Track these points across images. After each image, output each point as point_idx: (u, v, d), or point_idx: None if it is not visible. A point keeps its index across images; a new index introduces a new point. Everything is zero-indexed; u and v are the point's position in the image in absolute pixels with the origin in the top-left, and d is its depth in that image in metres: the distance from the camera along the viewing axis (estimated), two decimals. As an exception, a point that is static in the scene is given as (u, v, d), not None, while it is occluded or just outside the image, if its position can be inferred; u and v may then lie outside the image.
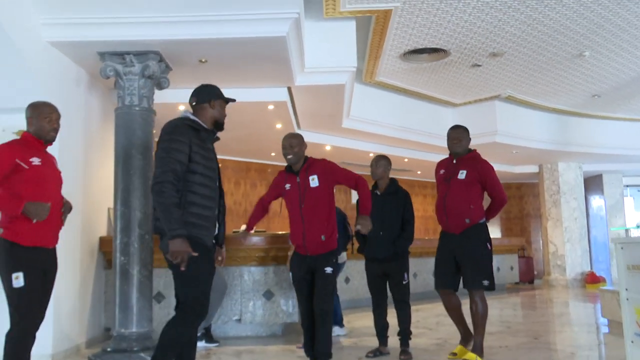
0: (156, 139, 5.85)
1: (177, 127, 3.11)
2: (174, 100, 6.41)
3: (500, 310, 8.47)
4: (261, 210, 4.42)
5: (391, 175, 5.15)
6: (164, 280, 6.05)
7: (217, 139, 3.42)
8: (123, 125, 5.26)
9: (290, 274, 4.18)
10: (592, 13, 6.49)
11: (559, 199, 13.02)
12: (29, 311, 3.20)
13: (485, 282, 4.45)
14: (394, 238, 4.84)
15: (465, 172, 4.55)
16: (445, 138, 4.79)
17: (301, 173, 4.05)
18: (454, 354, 4.64)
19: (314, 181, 3.99)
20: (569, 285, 12.59)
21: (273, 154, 10.26)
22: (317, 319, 3.86)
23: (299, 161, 4.10)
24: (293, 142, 4.10)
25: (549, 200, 13.19)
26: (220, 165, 3.41)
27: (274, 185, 4.31)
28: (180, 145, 3.03)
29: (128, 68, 5.23)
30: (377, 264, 4.93)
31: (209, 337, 5.57)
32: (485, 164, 4.63)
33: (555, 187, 13.11)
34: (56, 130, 3.52)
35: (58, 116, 3.55)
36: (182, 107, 6.88)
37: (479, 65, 8.21)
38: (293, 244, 4.15)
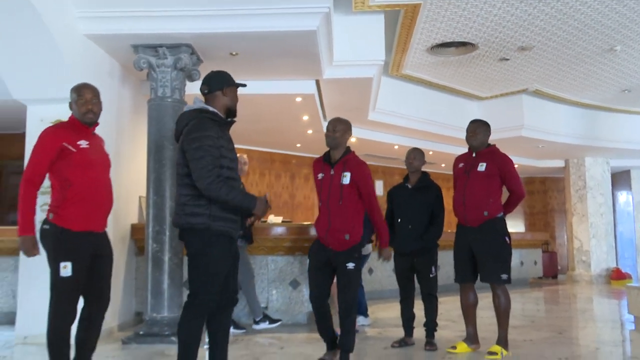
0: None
1: (205, 123, 3.09)
2: (205, 91, 6.51)
3: (523, 304, 8.46)
4: None
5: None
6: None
7: (233, 122, 3.36)
8: (155, 117, 5.39)
9: (308, 260, 4.13)
10: (624, 7, 6.41)
11: (585, 194, 12.89)
12: (66, 307, 3.18)
13: (504, 277, 4.46)
14: (422, 232, 4.88)
15: (485, 164, 4.58)
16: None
17: (337, 166, 3.93)
18: (454, 347, 4.65)
19: (345, 178, 3.88)
20: (594, 281, 12.49)
21: (298, 145, 10.36)
22: (341, 312, 3.87)
23: (337, 147, 3.96)
24: (337, 127, 3.96)
25: (575, 195, 13.07)
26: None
27: (314, 176, 4.14)
28: (211, 140, 3.04)
29: (161, 60, 5.35)
30: (405, 257, 4.98)
31: (269, 318, 5.81)
32: (504, 157, 4.65)
33: (582, 182, 12.98)
34: (92, 111, 3.35)
35: (93, 96, 3.38)
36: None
37: (506, 59, 8.17)
38: (317, 233, 4.06)
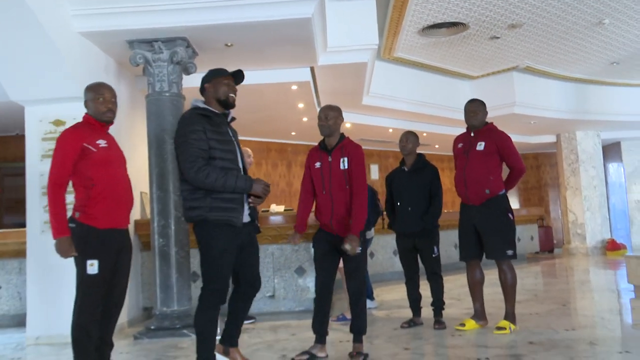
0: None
1: (189, 118, 3.24)
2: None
3: (522, 279, 8.55)
4: (308, 200, 4.08)
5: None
6: (197, 260, 6.20)
7: (233, 119, 3.48)
8: (154, 112, 5.38)
9: (313, 249, 4.12)
10: (612, -20, 6.46)
11: (578, 168, 13.02)
12: (91, 306, 3.24)
13: (509, 252, 4.55)
14: (422, 213, 4.94)
15: (483, 143, 4.63)
16: (463, 111, 4.85)
17: (334, 152, 3.90)
18: (462, 325, 4.72)
19: (343, 163, 3.85)
20: (589, 253, 12.66)
21: (293, 133, 10.37)
22: (351, 297, 3.90)
23: (332, 134, 3.94)
24: (329, 114, 3.92)
25: (568, 169, 13.19)
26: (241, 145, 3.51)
27: (307, 167, 4.08)
28: (196, 134, 3.16)
29: (157, 55, 5.33)
30: (407, 238, 5.06)
31: None
32: (502, 135, 4.70)
33: (574, 156, 13.10)
34: (111, 110, 3.42)
35: (112, 95, 3.44)
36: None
37: (497, 38, 8.20)
38: (320, 222, 4.03)
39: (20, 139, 8.91)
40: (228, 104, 3.38)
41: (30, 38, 4.68)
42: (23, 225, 6.55)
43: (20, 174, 9.20)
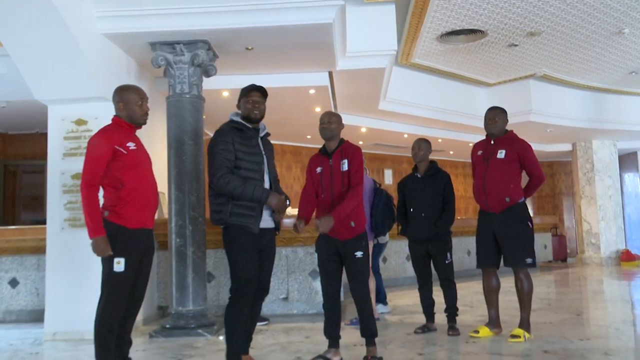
0: (206, 127, 6.06)
1: (222, 131, 3.58)
2: (220, 86, 6.59)
3: (535, 288, 8.35)
4: (309, 198, 4.05)
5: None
6: (213, 261, 6.30)
7: (267, 134, 3.78)
8: (175, 113, 5.44)
9: (317, 255, 4.10)
10: (633, -10, 6.43)
11: (593, 177, 12.93)
12: (116, 303, 3.31)
13: (529, 260, 4.55)
14: (435, 219, 4.95)
15: (504, 151, 4.64)
16: (479, 118, 4.87)
17: (334, 155, 3.95)
18: (476, 332, 4.72)
19: (344, 165, 3.89)
20: (604, 263, 12.56)
21: (309, 136, 10.41)
22: (357, 302, 3.88)
23: (333, 138, 3.98)
24: (332, 119, 4.00)
25: (583, 178, 13.11)
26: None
27: (308, 172, 4.13)
28: (224, 145, 3.49)
29: (178, 57, 5.39)
30: (420, 244, 5.07)
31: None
32: (523, 143, 4.71)
33: (589, 165, 13.01)
34: (147, 114, 3.56)
35: (147, 99, 3.59)
36: (226, 93, 7.07)
37: (515, 45, 8.19)
38: (303, 218, 3.98)
39: (38, 137, 9.10)
40: (252, 120, 3.64)
41: (55, 38, 4.77)
42: (40, 222, 6.67)
43: (38, 171, 9.38)
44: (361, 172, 3.90)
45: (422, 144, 5.11)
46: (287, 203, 3.61)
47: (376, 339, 3.95)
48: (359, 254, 3.82)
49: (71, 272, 5.22)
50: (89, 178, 3.28)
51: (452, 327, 4.92)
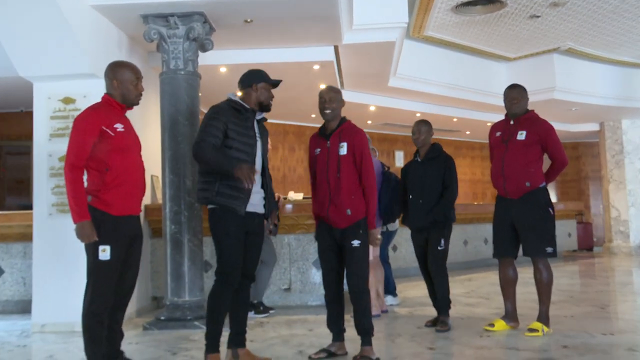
0: (202, 105, 6.10)
1: (218, 108, 3.71)
2: (217, 62, 6.63)
3: (558, 279, 8.53)
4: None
5: (438, 137, 5.27)
6: (210, 249, 6.38)
7: (264, 119, 3.93)
8: (169, 91, 5.49)
9: (317, 244, 4.14)
10: (666, -44, 6.40)
11: (623, 160, 12.93)
12: (103, 292, 3.36)
13: (549, 250, 4.59)
14: (433, 206, 4.94)
15: (525, 132, 4.66)
16: (498, 96, 4.88)
17: (332, 137, 3.94)
18: (492, 325, 4.78)
19: (342, 149, 3.88)
20: (633, 252, 12.61)
21: (313, 115, 10.44)
22: (352, 297, 3.90)
23: (334, 118, 3.99)
24: (332, 97, 3.99)
25: (611, 160, 13.11)
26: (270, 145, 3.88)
27: (309, 156, 4.17)
28: (215, 122, 3.61)
29: (172, 30, 5.43)
30: (418, 234, 5.09)
31: (257, 309, 5.85)
32: (545, 124, 4.73)
33: (618, 146, 13.00)
34: (141, 94, 3.62)
35: (142, 78, 3.63)
36: (223, 69, 7.11)
37: (537, 16, 8.17)
38: (315, 215, 4.06)
39: (24, 116, 9.15)
40: (267, 108, 3.84)
41: (40, 11, 4.81)
42: (26, 207, 6.75)
43: (24, 152, 9.46)
44: (368, 161, 3.90)
45: (422, 127, 5.10)
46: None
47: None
48: (355, 242, 3.84)
49: (60, 261, 5.31)
50: (73, 159, 3.31)
51: (443, 322, 4.89)
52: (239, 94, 3.86)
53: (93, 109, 3.48)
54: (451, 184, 4.97)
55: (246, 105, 3.76)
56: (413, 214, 5.04)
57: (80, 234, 3.30)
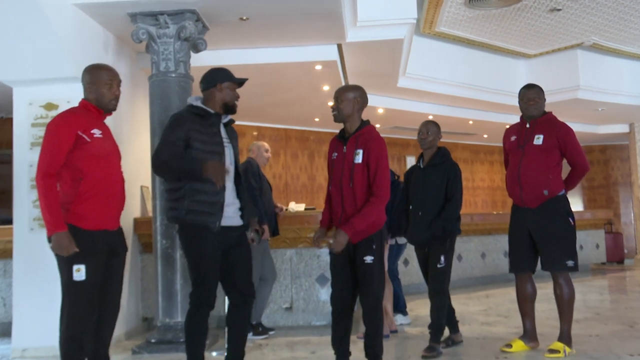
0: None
1: (177, 115, 3.76)
2: (211, 63, 6.55)
3: (585, 294, 8.57)
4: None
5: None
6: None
7: (232, 121, 3.94)
8: (159, 95, 5.52)
9: (329, 255, 4.08)
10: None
11: (654, 164, 12.90)
12: (81, 315, 3.36)
13: (570, 263, 4.57)
14: (433, 219, 4.77)
15: (542, 136, 4.66)
16: (518, 99, 4.87)
17: (349, 142, 3.89)
18: (509, 345, 4.75)
19: (358, 156, 3.83)
20: (667, 265, 12.55)
21: (317, 119, 10.48)
22: (364, 313, 3.88)
23: (346, 120, 3.92)
24: (342, 96, 3.92)
25: (642, 165, 13.09)
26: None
27: (328, 161, 4.10)
28: (175, 131, 3.63)
29: (162, 30, 5.47)
30: (420, 249, 5.01)
31: (256, 330, 5.85)
32: (564, 127, 4.72)
33: (650, 149, 12.98)
34: (117, 98, 3.61)
35: (119, 82, 3.64)
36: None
37: (558, 10, 8.19)
38: (334, 223, 3.99)
39: (4, 123, 9.22)
40: (232, 110, 3.84)
41: (19, 10, 4.86)
42: (8, 221, 6.78)
43: (5, 161, 9.49)
44: (383, 172, 3.82)
45: (431, 127, 4.98)
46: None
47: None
48: (368, 259, 3.78)
49: (43, 279, 5.32)
50: (46, 167, 3.31)
51: (430, 348, 4.75)
52: (201, 96, 3.89)
53: (69, 113, 3.50)
54: (454, 195, 4.79)
55: (209, 110, 3.76)
56: (412, 227, 4.93)
57: (57, 247, 3.28)
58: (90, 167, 3.39)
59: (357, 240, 3.81)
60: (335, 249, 3.75)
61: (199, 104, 3.79)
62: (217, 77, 3.81)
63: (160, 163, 3.61)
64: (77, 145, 3.37)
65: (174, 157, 3.57)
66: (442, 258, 4.76)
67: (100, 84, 3.55)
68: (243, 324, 3.87)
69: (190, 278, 3.74)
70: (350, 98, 3.91)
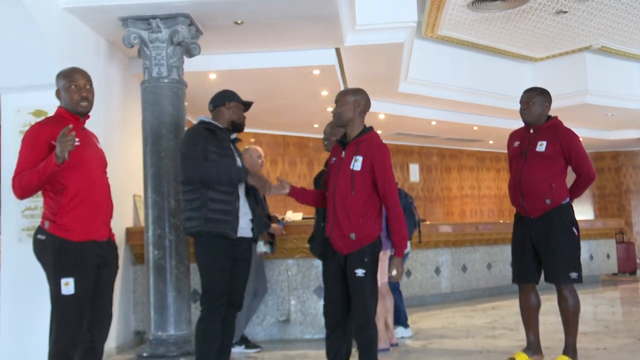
0: (188, 115, 6.18)
1: (193, 131, 4.10)
2: (205, 68, 6.73)
3: (595, 307, 8.59)
4: (316, 191, 4.22)
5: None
6: (197, 277, 6.41)
7: (237, 139, 4.30)
8: (151, 101, 5.57)
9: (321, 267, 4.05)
10: None
11: (667, 171, 12.93)
12: (70, 329, 3.39)
13: (574, 275, 4.57)
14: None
15: (545, 143, 4.67)
16: (520, 103, 4.89)
17: (350, 147, 3.85)
18: (512, 359, 4.75)
19: (356, 163, 3.79)
20: (681, 276, 12.54)
21: (316, 125, 10.52)
22: (356, 332, 3.81)
23: (347, 124, 3.88)
24: (343, 99, 3.90)
25: (655, 172, 13.11)
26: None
27: (327, 163, 4.12)
28: (196, 145, 3.97)
29: (154, 34, 5.52)
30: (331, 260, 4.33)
31: (247, 342, 5.88)
32: (568, 133, 4.72)
33: (662, 156, 13.01)
34: (87, 99, 3.54)
35: (86, 82, 3.56)
36: (213, 76, 7.21)
37: (564, 12, 8.24)
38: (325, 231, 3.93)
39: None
40: (239, 128, 4.23)
41: (7, 15, 4.90)
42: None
43: (-6, 171, 9.51)
44: (391, 183, 3.80)
45: (336, 130, 4.72)
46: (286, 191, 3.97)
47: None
48: (359, 272, 3.72)
49: (31, 292, 5.32)
50: (18, 172, 3.34)
51: None
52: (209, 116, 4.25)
53: (41, 124, 3.51)
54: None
55: (220, 125, 4.13)
56: (321, 239, 4.38)
57: (63, 146, 3.18)
58: (69, 177, 3.39)
59: (347, 251, 3.77)
60: (396, 278, 3.81)
61: (210, 120, 4.17)
62: (226, 96, 4.21)
63: (200, 173, 3.92)
64: (53, 155, 3.33)
65: (213, 165, 3.92)
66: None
67: (66, 88, 3.52)
68: (229, 334, 4.13)
69: (202, 285, 3.99)
70: (350, 101, 3.87)
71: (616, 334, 6.16)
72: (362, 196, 3.78)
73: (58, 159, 3.21)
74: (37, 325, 5.27)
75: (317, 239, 4.47)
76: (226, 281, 3.95)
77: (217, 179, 3.92)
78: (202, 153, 3.94)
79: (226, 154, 4.07)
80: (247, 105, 4.28)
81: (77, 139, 3.34)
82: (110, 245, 3.64)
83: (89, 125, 3.76)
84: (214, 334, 3.94)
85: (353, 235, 3.74)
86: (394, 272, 3.75)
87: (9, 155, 5.57)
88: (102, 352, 3.66)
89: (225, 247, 3.93)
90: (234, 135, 4.25)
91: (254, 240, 4.14)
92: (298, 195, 4.05)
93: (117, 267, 3.72)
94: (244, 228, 4.04)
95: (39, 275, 5.22)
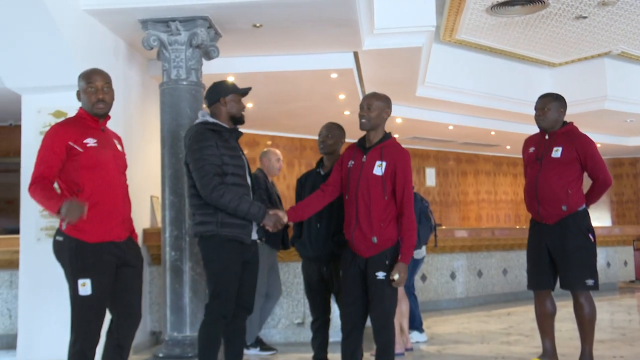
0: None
1: (201, 133, 3.83)
2: (223, 70, 6.75)
3: (612, 314, 8.53)
4: (318, 195, 4.05)
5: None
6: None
7: (240, 134, 4.09)
8: (169, 103, 5.61)
9: (340, 270, 4.07)
10: None
11: (687, 178, 12.80)
12: (88, 330, 3.41)
13: (590, 282, 4.55)
14: (334, 231, 4.27)
15: (560, 149, 4.64)
16: (535, 109, 4.87)
17: (371, 152, 3.89)
18: None
19: (379, 168, 3.84)
20: (700, 284, 12.41)
21: (333, 129, 10.51)
22: (375, 333, 3.86)
23: (373, 129, 3.90)
24: (372, 104, 3.90)
25: (674, 179, 13.00)
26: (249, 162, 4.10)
27: (338, 163, 4.07)
28: (210, 149, 3.76)
29: (174, 37, 5.56)
30: (312, 264, 4.51)
31: (262, 344, 5.90)
32: (584, 139, 4.69)
33: (682, 162, 12.89)
34: (103, 100, 3.52)
35: (104, 84, 3.55)
36: (231, 79, 7.23)
37: (584, 17, 8.20)
38: (346, 236, 3.96)
39: (12, 131, 9.37)
40: (240, 121, 4.02)
41: (29, 17, 4.96)
42: (14, 230, 6.89)
43: (13, 170, 9.62)
44: (410, 190, 3.86)
45: (334, 131, 4.45)
46: (284, 221, 3.92)
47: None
48: (380, 274, 3.78)
49: (49, 291, 5.39)
50: (36, 176, 3.34)
51: None
52: (208, 111, 4.03)
53: (60, 125, 3.53)
54: None
55: (224, 125, 3.92)
56: (306, 240, 4.42)
57: (69, 213, 3.17)
58: (85, 178, 3.40)
59: (369, 254, 3.81)
60: (399, 284, 3.78)
61: (212, 119, 3.94)
62: (220, 91, 3.96)
63: (216, 202, 3.73)
64: (69, 157, 3.38)
65: (230, 194, 3.71)
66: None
67: (85, 90, 3.53)
68: (240, 336, 4.02)
69: (208, 289, 3.89)
70: (381, 107, 3.93)
71: (633, 342, 6.11)
72: (385, 200, 3.83)
73: (59, 215, 3.24)
74: (53, 322, 5.34)
75: (304, 239, 4.43)
76: (235, 286, 3.84)
77: (234, 212, 3.75)
78: (219, 167, 3.74)
79: (236, 154, 3.90)
80: (245, 92, 4.01)
81: (85, 208, 3.26)
82: (129, 244, 3.63)
83: (109, 124, 3.77)
84: (218, 339, 3.85)
85: (375, 239, 3.80)
86: (397, 276, 3.74)
87: (30, 155, 5.62)
88: (129, 350, 3.68)
89: (238, 252, 3.84)
90: (237, 131, 4.04)
91: (260, 239, 4.06)
92: (299, 215, 4.07)
93: (141, 266, 3.73)
94: (254, 230, 3.98)
95: (57, 275, 5.28)
